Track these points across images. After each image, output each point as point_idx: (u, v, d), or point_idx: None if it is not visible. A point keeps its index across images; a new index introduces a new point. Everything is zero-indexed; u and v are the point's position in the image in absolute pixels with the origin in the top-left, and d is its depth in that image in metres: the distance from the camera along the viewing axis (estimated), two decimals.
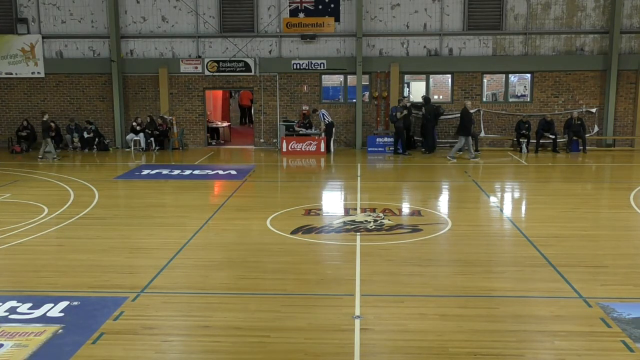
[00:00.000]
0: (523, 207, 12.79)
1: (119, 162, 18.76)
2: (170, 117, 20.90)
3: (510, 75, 21.15)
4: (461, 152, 18.73)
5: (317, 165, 18.26)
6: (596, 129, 20.72)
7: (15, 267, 8.37)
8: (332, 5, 20.58)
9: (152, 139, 20.59)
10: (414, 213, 11.64)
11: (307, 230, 10.13)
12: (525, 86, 21.17)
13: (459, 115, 20.54)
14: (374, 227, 10.26)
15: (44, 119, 19.01)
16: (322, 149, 19.73)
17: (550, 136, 19.79)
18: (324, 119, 19.98)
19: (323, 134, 19.99)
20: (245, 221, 10.89)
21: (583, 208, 12.10)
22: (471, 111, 18.90)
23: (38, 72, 21.37)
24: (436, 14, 20.56)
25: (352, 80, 20.96)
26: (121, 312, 6.65)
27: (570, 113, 20.27)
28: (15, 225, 10.44)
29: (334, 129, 20.44)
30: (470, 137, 18.36)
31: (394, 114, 19.38)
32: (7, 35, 21.19)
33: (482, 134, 20.63)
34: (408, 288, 7.44)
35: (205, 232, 10.10)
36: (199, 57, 21.03)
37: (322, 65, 20.79)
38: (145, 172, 16.47)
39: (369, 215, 11.02)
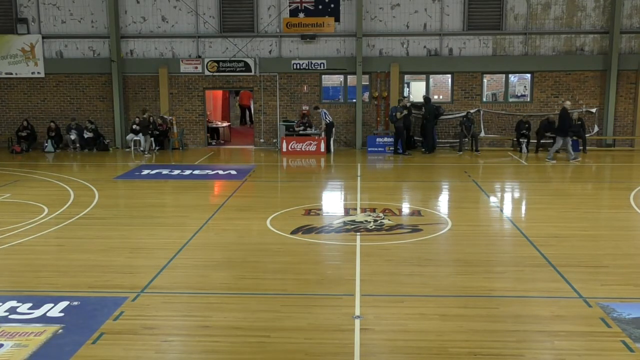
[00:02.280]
0: (523, 207, 12.79)
1: (119, 162, 18.76)
2: (170, 117, 20.90)
3: (510, 75, 21.16)
4: (559, 153, 18.31)
5: (317, 165, 18.26)
6: (596, 129, 20.72)
7: (15, 267, 8.36)
8: (332, 5, 20.58)
9: (152, 139, 20.58)
10: (414, 213, 11.64)
11: (307, 230, 10.13)
12: (525, 86, 21.18)
13: (459, 115, 20.62)
14: (374, 227, 10.26)
15: (144, 117, 19.74)
16: (322, 149, 19.73)
17: (551, 136, 19.77)
18: (325, 117, 19.94)
19: (323, 133, 19.99)
20: (245, 221, 10.89)
21: (583, 208, 12.10)
22: (570, 111, 18.25)
23: (38, 72, 21.37)
24: (436, 14, 20.57)
25: (352, 80, 20.97)
26: (121, 312, 6.65)
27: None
28: (15, 225, 10.43)
29: (334, 129, 20.44)
30: (568, 138, 17.88)
31: (393, 114, 19.39)
32: (7, 35, 21.20)
33: (482, 134, 20.64)
34: (408, 288, 7.44)
35: (205, 232, 10.10)
36: (199, 57, 21.03)
37: (322, 65, 20.79)
38: (145, 172, 16.47)
39: (369, 215, 11.02)
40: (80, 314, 6.59)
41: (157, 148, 20.61)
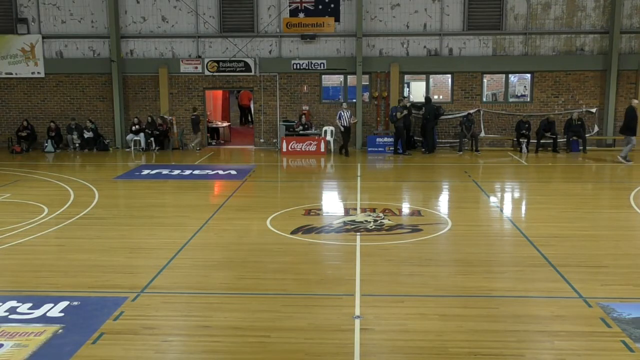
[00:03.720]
0: (523, 207, 12.79)
1: (119, 162, 18.76)
2: (170, 117, 20.89)
3: (510, 75, 21.15)
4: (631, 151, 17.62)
5: (317, 165, 18.26)
6: (596, 129, 20.72)
7: (15, 267, 8.36)
8: (332, 5, 20.58)
9: (152, 139, 20.59)
10: (414, 213, 11.64)
11: (307, 230, 10.13)
12: (525, 86, 21.18)
13: (459, 115, 20.63)
14: (374, 227, 10.26)
15: (196, 114, 20.49)
16: (322, 149, 19.72)
17: (551, 136, 19.78)
18: (349, 119, 19.23)
19: (329, 134, 19.86)
20: (245, 221, 10.89)
21: (583, 208, 12.10)
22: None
23: (38, 72, 21.37)
24: (436, 14, 20.56)
25: (352, 80, 20.96)
26: (121, 312, 6.65)
27: (570, 113, 20.27)
28: (15, 225, 10.43)
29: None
30: (634, 138, 17.32)
31: (394, 114, 19.38)
32: (7, 35, 21.19)
33: (482, 134, 20.64)
34: (408, 288, 7.44)
35: (205, 232, 10.10)
36: (199, 57, 21.03)
37: (322, 65, 20.78)
38: (145, 172, 16.47)
39: (369, 215, 11.02)
40: (80, 314, 6.59)
41: (157, 148, 20.61)
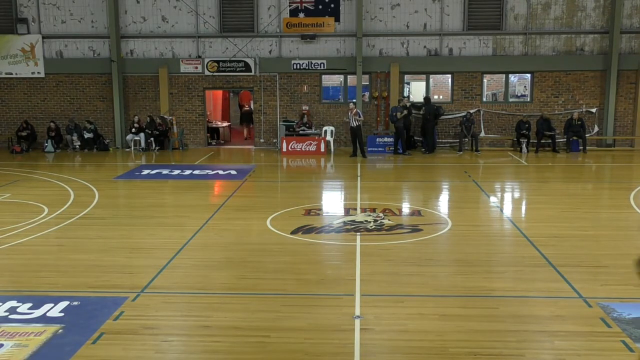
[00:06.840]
0: (523, 207, 12.79)
1: (119, 162, 18.76)
2: (170, 117, 20.89)
3: (510, 75, 21.15)
4: None
5: (317, 165, 18.26)
6: (596, 129, 20.72)
7: (15, 267, 8.36)
8: (332, 5, 20.58)
9: (152, 139, 20.58)
10: (414, 213, 11.64)
11: (307, 230, 10.13)
12: (525, 86, 21.17)
13: (459, 115, 20.62)
14: (374, 227, 10.26)
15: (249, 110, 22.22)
16: (322, 149, 19.72)
17: (549, 133, 19.74)
18: (357, 119, 18.86)
19: (332, 134, 19.87)
20: (245, 221, 10.89)
21: (583, 208, 12.10)
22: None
23: (38, 72, 21.36)
24: (436, 14, 20.56)
25: (352, 80, 20.96)
26: (121, 312, 6.65)
27: (570, 113, 20.27)
28: (15, 225, 10.43)
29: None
30: None
31: (394, 114, 19.37)
32: (7, 35, 21.19)
33: (482, 134, 20.63)
34: (408, 288, 7.44)
35: (205, 232, 10.10)
36: (199, 57, 21.03)
37: (322, 65, 20.78)
38: (145, 172, 16.47)
39: (369, 215, 11.02)
40: (80, 314, 6.59)
41: (157, 148, 20.60)
